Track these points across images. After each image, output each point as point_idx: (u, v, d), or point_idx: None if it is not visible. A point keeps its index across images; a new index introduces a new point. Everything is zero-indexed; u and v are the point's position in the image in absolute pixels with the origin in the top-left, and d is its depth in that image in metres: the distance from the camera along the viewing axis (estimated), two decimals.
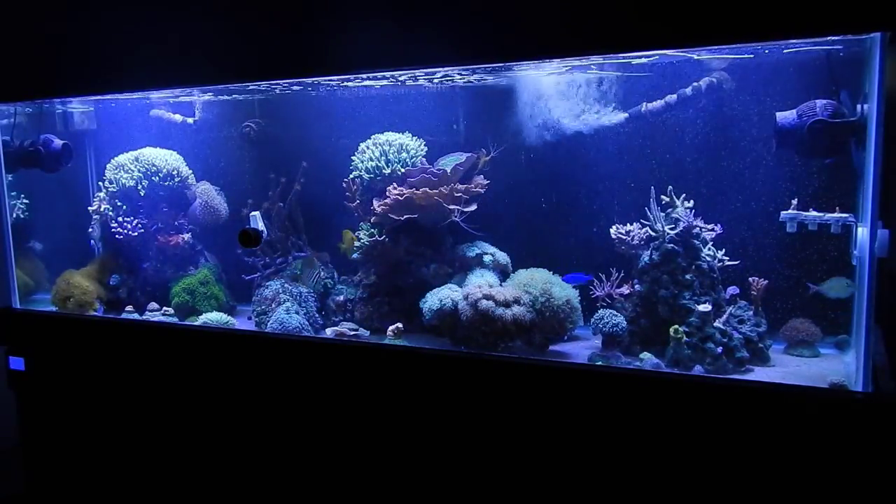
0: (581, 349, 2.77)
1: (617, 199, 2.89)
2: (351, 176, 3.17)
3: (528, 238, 3.08)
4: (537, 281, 2.80)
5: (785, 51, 2.41)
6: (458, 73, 2.83)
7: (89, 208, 3.62)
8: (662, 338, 2.60)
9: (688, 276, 2.64)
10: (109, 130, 3.90)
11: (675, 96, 2.72)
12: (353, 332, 3.02)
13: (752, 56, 2.52)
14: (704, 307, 2.55)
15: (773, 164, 2.65)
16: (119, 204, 3.55)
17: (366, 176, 3.13)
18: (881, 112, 1.99)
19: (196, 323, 3.27)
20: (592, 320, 2.75)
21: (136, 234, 3.52)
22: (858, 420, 2.01)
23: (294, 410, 2.82)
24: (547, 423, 2.37)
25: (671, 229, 2.67)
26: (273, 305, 3.17)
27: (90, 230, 3.67)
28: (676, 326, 2.55)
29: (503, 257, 3.02)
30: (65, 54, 3.17)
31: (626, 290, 2.80)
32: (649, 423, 2.23)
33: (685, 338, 2.53)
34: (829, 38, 2.12)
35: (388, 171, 3.08)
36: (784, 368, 2.51)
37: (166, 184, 3.54)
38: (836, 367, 2.46)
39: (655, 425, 2.22)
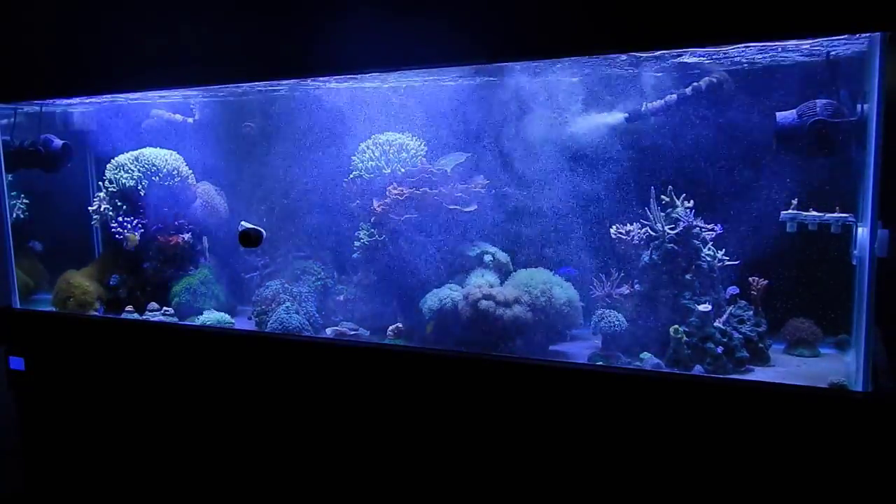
0: (581, 349, 2.77)
1: (617, 198, 2.89)
2: (351, 176, 3.18)
3: (528, 237, 3.07)
4: (538, 281, 2.80)
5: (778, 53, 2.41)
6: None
7: (89, 208, 3.61)
8: (662, 338, 2.60)
9: (688, 276, 2.64)
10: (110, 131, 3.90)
11: (674, 96, 2.72)
12: (353, 332, 3.02)
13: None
14: (704, 307, 2.56)
15: (773, 164, 2.64)
16: (119, 204, 3.55)
17: (366, 176, 3.13)
18: (881, 112, 1.99)
19: (196, 323, 3.27)
20: (592, 320, 2.75)
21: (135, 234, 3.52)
22: (858, 420, 2.01)
23: (294, 410, 2.82)
24: (547, 422, 2.37)
25: (671, 229, 2.67)
26: (273, 305, 3.17)
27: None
28: (676, 326, 2.55)
29: (503, 257, 3.02)
30: (65, 54, 3.17)
31: (626, 290, 2.80)
32: (650, 423, 2.23)
33: (685, 338, 2.53)
34: (829, 38, 2.12)
35: (388, 171, 3.08)
36: (784, 368, 2.51)
37: (166, 184, 3.53)
38: (836, 367, 2.46)
39: (656, 425, 2.22)
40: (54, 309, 3.51)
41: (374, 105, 3.20)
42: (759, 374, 2.48)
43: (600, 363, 2.58)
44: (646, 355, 2.57)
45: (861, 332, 2.11)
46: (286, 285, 3.25)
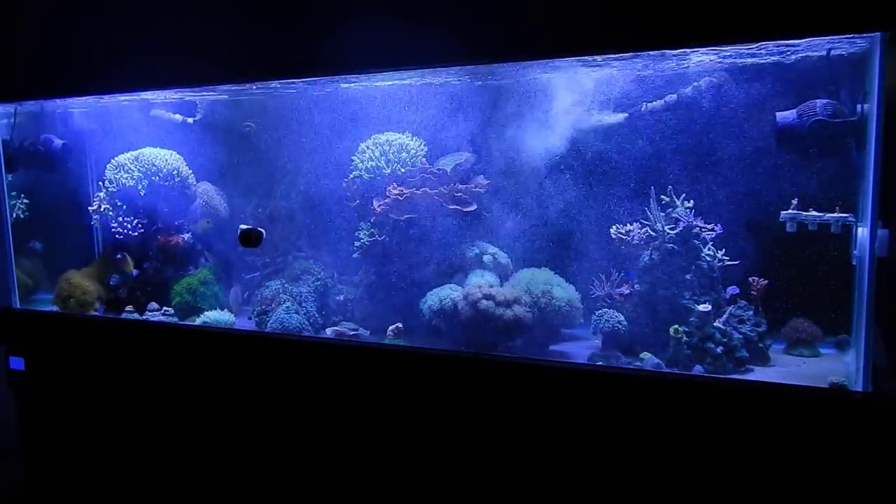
0: (581, 349, 2.77)
1: (618, 199, 2.89)
2: (351, 176, 3.18)
3: (528, 238, 3.07)
4: (538, 281, 2.80)
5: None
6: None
7: (89, 208, 3.62)
8: (662, 338, 2.60)
9: (688, 276, 2.64)
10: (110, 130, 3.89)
11: (674, 96, 2.72)
12: (353, 332, 3.02)
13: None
14: (704, 307, 2.56)
15: (773, 164, 2.64)
16: (119, 204, 3.55)
17: (366, 176, 3.13)
18: (881, 112, 1.99)
19: (196, 323, 3.27)
20: (592, 320, 2.75)
21: (136, 234, 3.52)
22: (858, 420, 2.01)
23: (294, 410, 2.82)
24: (547, 423, 2.37)
25: (671, 229, 2.67)
26: (273, 305, 3.17)
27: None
28: (676, 326, 2.55)
29: (503, 257, 3.02)
30: (65, 54, 3.17)
31: (626, 290, 2.80)
32: (650, 423, 2.23)
33: (685, 338, 2.53)
34: (829, 37, 2.12)
35: (388, 171, 3.08)
36: (784, 368, 2.51)
37: (166, 184, 3.54)
38: (836, 367, 2.46)
39: (656, 425, 2.22)
40: (55, 309, 3.51)
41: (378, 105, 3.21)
42: (759, 374, 2.48)
43: (600, 363, 2.58)
44: (646, 355, 2.57)
45: (861, 332, 2.11)
46: (286, 285, 3.25)
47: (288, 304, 3.14)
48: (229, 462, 3.00)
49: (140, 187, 3.51)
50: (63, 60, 3.18)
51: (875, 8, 1.88)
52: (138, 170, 3.52)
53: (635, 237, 2.77)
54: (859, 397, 2.08)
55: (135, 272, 3.52)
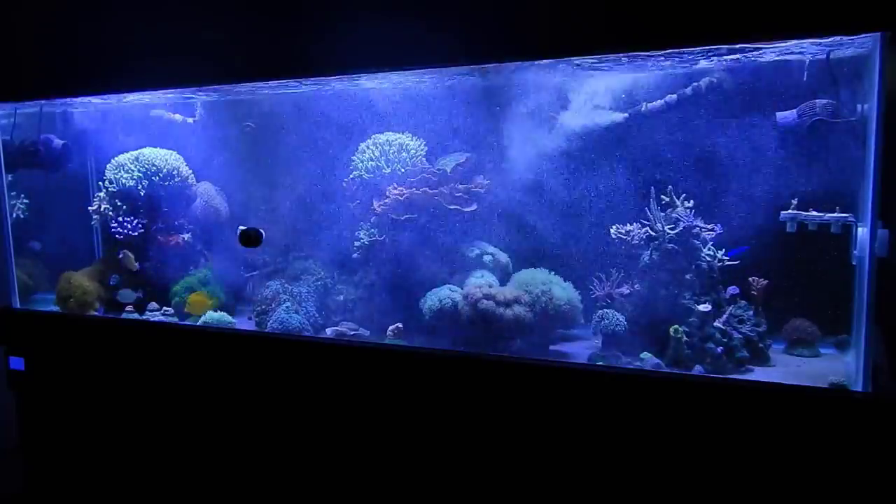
0: (581, 349, 2.78)
1: (618, 198, 2.89)
2: (351, 176, 3.18)
3: (528, 238, 3.07)
4: (538, 281, 2.80)
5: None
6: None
7: (89, 208, 3.62)
8: (662, 338, 2.60)
9: (688, 276, 2.64)
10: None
11: (674, 96, 2.72)
12: (353, 332, 3.02)
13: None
14: (704, 307, 2.56)
15: (773, 164, 2.64)
16: (119, 204, 3.55)
17: (366, 176, 3.13)
18: (881, 112, 1.99)
19: (196, 323, 3.27)
20: (592, 320, 2.75)
21: (136, 234, 3.52)
22: (858, 420, 2.01)
23: (294, 410, 2.82)
24: (548, 423, 2.37)
25: (671, 229, 2.67)
26: (273, 305, 3.17)
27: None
28: (676, 326, 2.55)
29: (503, 257, 3.02)
30: (65, 54, 3.17)
31: (626, 290, 2.80)
32: (650, 423, 2.23)
33: (685, 338, 2.53)
34: (829, 38, 2.12)
35: (388, 170, 3.08)
36: (784, 368, 2.51)
37: (166, 184, 3.54)
38: (836, 367, 2.46)
39: (656, 425, 2.23)
40: (57, 309, 3.51)
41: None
42: (759, 374, 2.48)
43: (600, 363, 2.58)
44: (646, 355, 2.57)
45: (861, 332, 2.11)
46: (286, 285, 3.25)
47: (288, 303, 3.14)
48: (229, 462, 3.00)
49: (140, 187, 3.51)
50: (64, 60, 3.18)
51: (875, 8, 1.89)
52: (138, 170, 3.52)
53: (635, 237, 2.77)
54: (859, 397, 2.08)
55: (114, 279, 3.52)
